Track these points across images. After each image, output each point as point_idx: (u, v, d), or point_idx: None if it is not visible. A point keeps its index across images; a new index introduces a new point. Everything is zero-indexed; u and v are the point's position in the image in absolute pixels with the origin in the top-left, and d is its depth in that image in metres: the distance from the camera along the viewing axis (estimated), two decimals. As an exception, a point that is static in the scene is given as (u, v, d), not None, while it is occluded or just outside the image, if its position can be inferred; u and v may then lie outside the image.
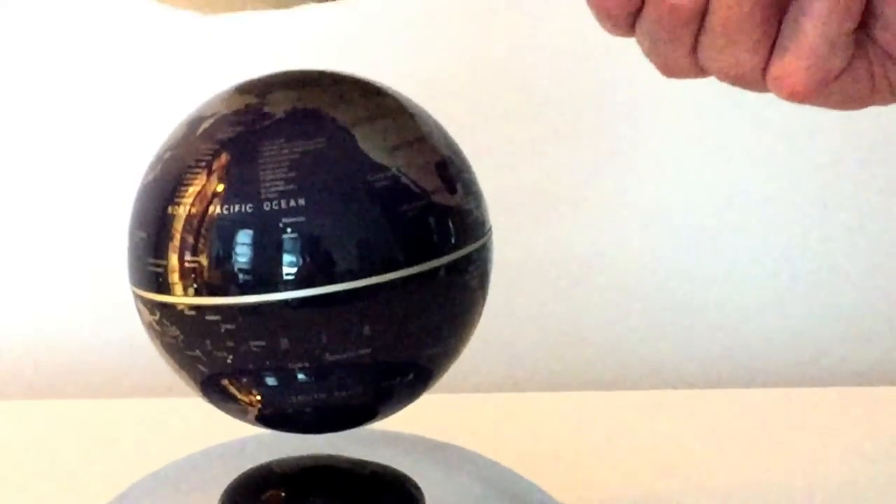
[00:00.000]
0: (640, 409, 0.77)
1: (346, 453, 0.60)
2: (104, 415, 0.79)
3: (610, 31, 0.47)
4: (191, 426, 0.68)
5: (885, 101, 0.47)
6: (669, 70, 0.47)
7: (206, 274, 0.51)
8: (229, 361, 0.52)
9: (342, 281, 0.50)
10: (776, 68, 0.44)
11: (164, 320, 0.53)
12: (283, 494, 0.60)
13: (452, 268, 0.53)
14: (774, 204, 0.83)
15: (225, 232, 0.51)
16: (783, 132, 0.80)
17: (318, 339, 0.51)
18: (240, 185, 0.51)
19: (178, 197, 0.52)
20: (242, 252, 0.50)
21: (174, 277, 0.52)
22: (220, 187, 0.51)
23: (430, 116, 0.56)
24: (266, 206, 0.50)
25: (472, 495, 0.62)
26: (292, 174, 0.50)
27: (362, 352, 0.51)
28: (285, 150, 0.51)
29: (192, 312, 0.51)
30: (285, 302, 0.50)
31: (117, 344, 0.83)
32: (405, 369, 0.54)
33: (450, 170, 0.54)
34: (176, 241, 0.52)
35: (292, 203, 0.50)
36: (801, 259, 0.83)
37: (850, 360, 0.84)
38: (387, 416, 0.57)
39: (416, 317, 0.52)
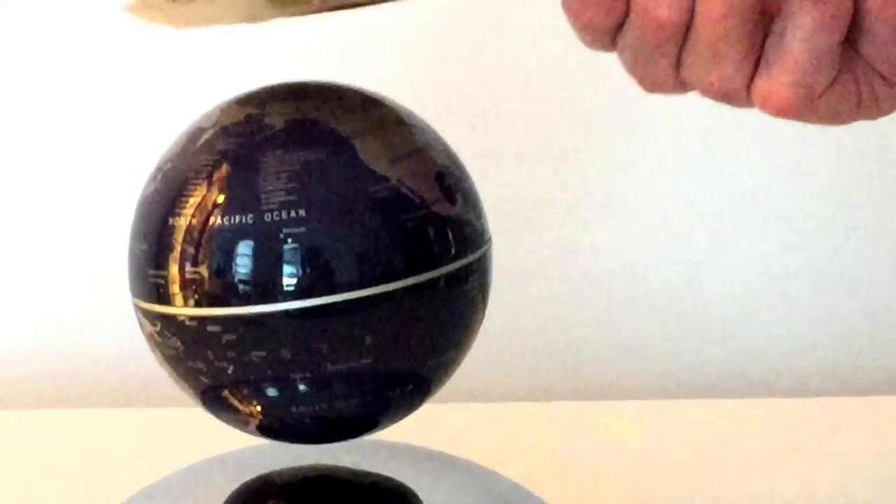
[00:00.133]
0: (640, 418, 0.78)
1: (345, 463, 0.60)
2: (104, 425, 0.79)
3: (589, 46, 0.46)
4: (190, 436, 0.68)
5: (870, 116, 0.46)
6: (652, 85, 0.46)
7: (207, 285, 0.51)
8: (230, 372, 0.52)
9: (343, 291, 0.50)
10: (761, 84, 0.44)
11: (165, 331, 0.53)
12: (283, 505, 0.60)
13: (453, 278, 0.53)
14: (779, 213, 0.83)
15: (226, 243, 0.51)
16: (788, 139, 0.80)
17: (320, 349, 0.51)
18: (240, 195, 0.51)
19: (178, 208, 0.52)
20: (243, 263, 0.51)
21: (175, 288, 0.52)
22: (221, 198, 0.51)
23: (429, 127, 0.56)
24: (267, 217, 0.50)
25: (472, 505, 0.62)
26: (293, 185, 0.50)
27: (363, 362, 0.52)
28: (286, 161, 0.51)
29: (193, 323, 0.52)
30: (286, 312, 0.50)
31: (117, 354, 0.83)
32: (406, 379, 0.54)
33: (449, 180, 0.54)
34: (176, 253, 0.52)
35: (293, 214, 0.50)
36: (806, 267, 0.83)
37: (859, 369, 0.84)
38: (387, 426, 0.57)
39: (417, 327, 0.52)
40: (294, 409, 0.53)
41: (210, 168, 0.52)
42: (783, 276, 0.84)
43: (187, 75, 0.80)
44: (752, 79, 0.44)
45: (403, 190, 0.52)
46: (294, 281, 0.50)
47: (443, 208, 0.53)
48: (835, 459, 0.72)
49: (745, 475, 0.71)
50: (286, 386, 0.52)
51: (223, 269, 0.51)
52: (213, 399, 0.54)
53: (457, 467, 0.64)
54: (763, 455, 0.73)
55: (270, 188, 0.50)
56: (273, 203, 0.50)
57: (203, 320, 0.51)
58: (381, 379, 0.53)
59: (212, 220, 0.51)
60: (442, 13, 0.76)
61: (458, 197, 0.54)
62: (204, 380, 0.53)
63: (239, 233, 0.51)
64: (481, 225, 0.55)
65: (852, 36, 0.44)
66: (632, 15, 0.44)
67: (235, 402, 0.54)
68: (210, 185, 0.52)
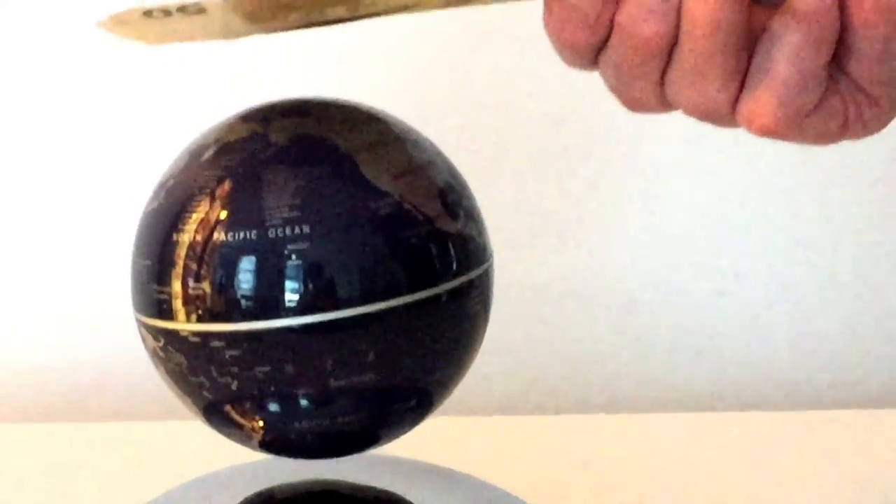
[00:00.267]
0: (641, 431, 0.78)
1: (347, 478, 0.61)
2: (105, 439, 0.79)
3: (571, 65, 0.46)
4: (192, 451, 0.69)
5: (856, 136, 0.45)
6: (634, 104, 0.46)
7: (210, 300, 0.51)
8: (234, 388, 0.52)
9: (347, 307, 0.50)
10: (747, 103, 0.43)
11: (169, 347, 0.53)
12: (284, 520, 0.60)
13: (456, 294, 0.53)
14: (779, 227, 0.83)
15: (229, 259, 0.51)
16: (790, 154, 0.80)
17: (323, 364, 0.51)
18: (244, 212, 0.51)
19: (182, 224, 0.52)
20: (247, 279, 0.51)
21: (178, 304, 0.52)
22: (225, 214, 0.51)
23: (430, 142, 0.56)
24: (271, 234, 0.50)
25: (473, 520, 0.62)
26: (296, 201, 0.50)
27: (367, 377, 0.52)
28: (289, 178, 0.51)
29: (197, 339, 0.52)
30: (290, 328, 0.50)
31: (118, 368, 0.83)
32: (408, 394, 0.54)
33: (451, 196, 0.54)
34: (180, 268, 0.52)
35: (297, 230, 0.50)
36: (805, 282, 0.84)
37: (861, 381, 0.84)
38: (389, 441, 0.57)
39: (420, 342, 0.53)
40: (297, 424, 0.53)
41: (214, 184, 0.52)
42: (789, 291, 0.84)
43: (188, 91, 0.80)
44: (737, 98, 0.43)
45: (406, 206, 0.52)
46: (298, 297, 0.50)
47: (445, 224, 0.53)
48: (840, 472, 0.73)
49: (749, 488, 0.71)
50: (289, 401, 0.52)
51: (227, 285, 0.51)
52: (216, 414, 0.54)
53: (457, 481, 0.64)
54: (765, 468, 0.73)
55: (274, 204, 0.51)
56: (277, 219, 0.50)
57: (206, 336, 0.51)
58: (384, 394, 0.53)
59: (215, 235, 0.51)
60: (442, 28, 0.76)
61: (461, 213, 0.54)
62: (207, 395, 0.53)
63: (242, 249, 0.51)
64: (483, 241, 0.56)
65: (839, 55, 0.43)
66: (615, 33, 0.43)
67: (238, 418, 0.54)
68: (214, 201, 0.52)
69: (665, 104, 0.45)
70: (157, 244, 0.53)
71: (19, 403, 0.85)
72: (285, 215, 0.50)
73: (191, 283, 0.52)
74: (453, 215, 0.54)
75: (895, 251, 0.83)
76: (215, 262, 0.51)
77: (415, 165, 0.53)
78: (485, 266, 0.55)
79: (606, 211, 0.83)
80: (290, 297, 0.50)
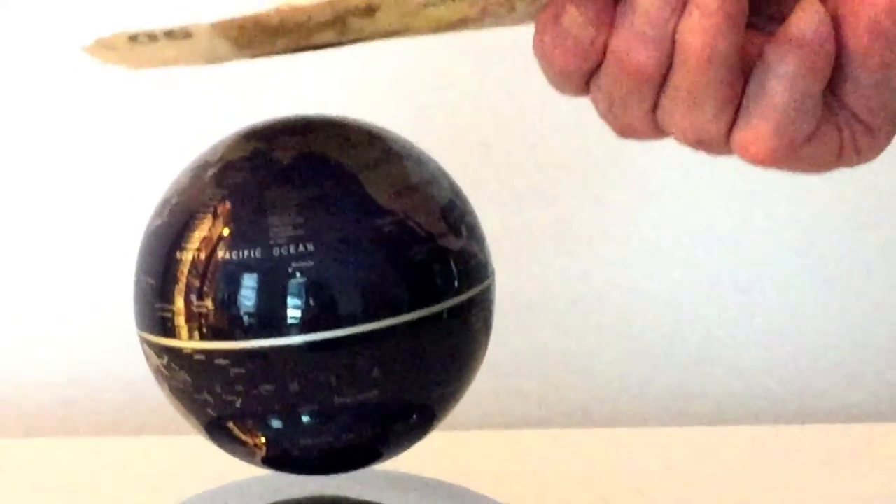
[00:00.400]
0: (643, 446, 0.78)
1: (349, 494, 0.61)
2: (108, 454, 0.79)
3: (560, 90, 0.45)
4: (193, 466, 0.69)
5: (850, 164, 0.45)
6: (626, 131, 0.45)
7: (214, 319, 0.51)
8: (238, 405, 0.52)
9: (352, 324, 0.51)
10: (742, 132, 0.43)
11: (172, 364, 0.53)
12: (287, 535, 0.60)
13: (459, 310, 0.53)
14: (790, 242, 0.83)
15: (234, 277, 0.51)
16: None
17: (328, 382, 0.51)
18: (249, 230, 0.51)
19: (185, 242, 0.53)
20: (252, 296, 0.51)
21: (182, 322, 0.52)
22: (229, 232, 0.52)
23: (432, 160, 0.56)
24: (275, 252, 0.51)
25: (475, 534, 0.62)
26: (301, 219, 0.51)
27: (371, 394, 0.52)
28: (293, 196, 0.51)
29: (201, 357, 0.52)
30: (295, 346, 0.51)
31: (122, 382, 0.83)
32: (411, 411, 0.55)
33: (454, 213, 0.54)
34: (184, 286, 0.52)
35: (301, 248, 0.51)
36: (818, 296, 0.83)
37: (866, 396, 0.84)
38: (391, 457, 0.57)
39: (424, 359, 0.53)
40: (300, 441, 0.53)
41: (218, 202, 0.52)
42: (801, 307, 0.84)
43: (191, 108, 0.80)
44: (731, 126, 0.43)
45: (410, 223, 0.52)
46: (303, 315, 0.50)
47: (449, 241, 0.53)
48: (847, 487, 0.73)
49: (757, 502, 0.71)
50: (294, 419, 0.52)
51: (231, 303, 0.51)
52: (220, 431, 0.55)
53: (459, 496, 0.64)
54: (767, 483, 0.73)
55: (278, 222, 0.51)
56: (281, 237, 0.51)
57: (211, 354, 0.52)
58: (387, 411, 0.53)
59: (219, 253, 0.52)
60: (442, 44, 0.76)
61: (463, 230, 0.54)
62: (211, 412, 0.53)
63: (247, 267, 0.51)
64: (485, 257, 0.56)
65: (834, 82, 0.42)
66: (609, 59, 0.43)
67: (242, 435, 0.54)
68: (218, 218, 0.52)
69: (657, 131, 0.45)
70: (161, 262, 0.53)
71: (20, 418, 0.85)
72: (290, 233, 0.51)
73: (195, 300, 0.52)
74: (456, 232, 0.54)
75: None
76: (219, 279, 0.51)
77: (418, 183, 0.54)
78: (487, 282, 0.56)
79: (608, 227, 0.83)
80: (297, 315, 0.51)
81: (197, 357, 0.52)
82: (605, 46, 0.43)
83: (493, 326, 0.57)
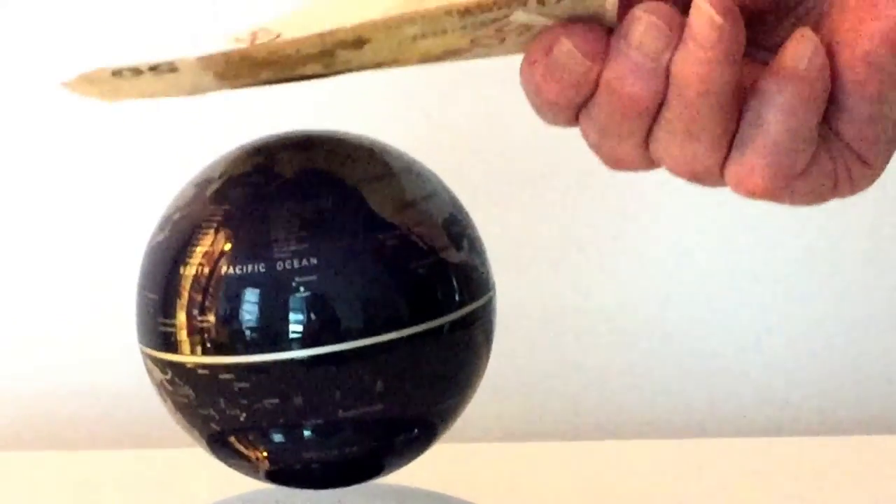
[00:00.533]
0: (643, 458, 0.77)
1: (350, 507, 0.61)
2: (104, 468, 0.79)
3: (549, 122, 0.44)
4: (196, 479, 0.69)
5: (844, 195, 0.44)
6: (617, 163, 0.44)
7: (218, 333, 0.52)
8: (242, 419, 0.52)
9: (357, 338, 0.51)
10: (736, 165, 0.42)
11: (176, 379, 0.53)
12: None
13: (462, 324, 0.54)
14: (795, 257, 0.83)
15: (237, 291, 0.51)
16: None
17: (332, 396, 0.51)
18: (252, 245, 0.52)
19: (188, 257, 0.53)
20: (256, 311, 0.51)
21: (186, 337, 0.52)
22: (232, 247, 0.52)
23: (433, 174, 0.57)
24: (279, 266, 0.51)
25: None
26: (304, 234, 0.51)
27: (374, 408, 0.52)
28: (296, 211, 0.52)
29: (205, 371, 0.52)
30: (300, 360, 0.51)
31: (122, 396, 0.83)
32: (413, 424, 0.55)
33: (456, 227, 0.55)
34: (187, 301, 0.52)
35: (305, 262, 0.51)
36: (818, 310, 0.84)
37: (866, 410, 0.84)
38: (392, 470, 0.58)
39: (427, 372, 0.53)
40: (304, 454, 0.54)
41: (221, 217, 0.53)
42: (804, 320, 0.84)
43: (192, 124, 0.80)
44: (725, 159, 0.42)
45: (412, 237, 0.52)
46: (308, 329, 0.51)
47: (451, 255, 0.54)
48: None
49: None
50: (297, 432, 0.53)
51: (235, 318, 0.51)
52: (223, 445, 0.55)
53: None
54: (769, 496, 0.73)
55: (282, 237, 0.51)
56: (285, 252, 0.51)
57: (215, 368, 0.52)
58: (390, 424, 0.54)
59: (222, 268, 0.52)
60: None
61: (465, 243, 0.55)
62: (214, 427, 0.54)
63: (250, 281, 0.51)
64: (486, 271, 0.56)
65: (828, 114, 0.42)
66: (601, 91, 0.42)
67: (245, 449, 0.54)
68: (220, 233, 0.52)
69: (649, 163, 0.44)
70: (164, 277, 0.54)
71: (20, 431, 0.85)
72: (293, 248, 0.51)
73: (198, 315, 0.52)
74: (457, 246, 0.54)
75: None
76: (223, 294, 0.52)
77: (419, 197, 0.54)
78: (489, 295, 0.56)
79: (607, 240, 0.83)
80: (301, 329, 0.51)
81: (201, 372, 0.52)
82: (598, 78, 0.42)
83: (493, 339, 0.57)
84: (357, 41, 0.42)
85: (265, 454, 0.54)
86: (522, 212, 0.82)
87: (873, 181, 0.44)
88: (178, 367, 0.53)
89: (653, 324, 0.84)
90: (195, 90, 0.46)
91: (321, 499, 0.60)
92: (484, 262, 0.56)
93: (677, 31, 0.40)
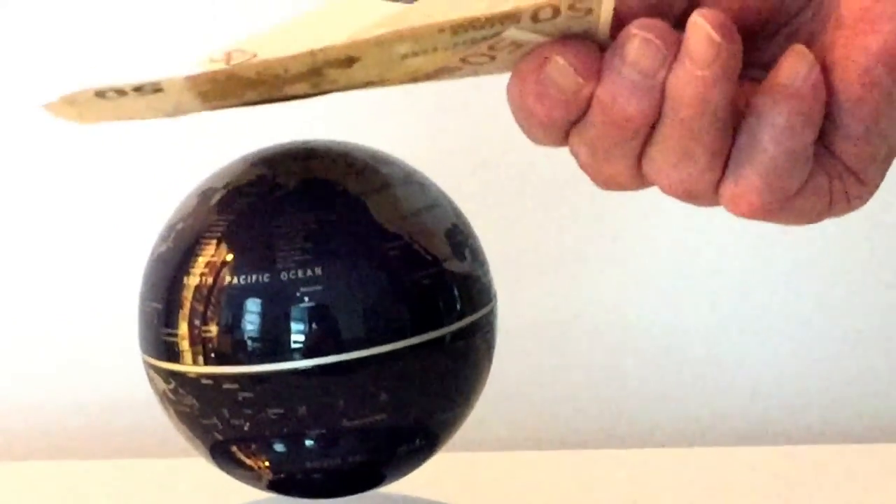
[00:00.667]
0: (653, 468, 0.77)
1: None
2: (108, 477, 0.79)
3: (537, 141, 0.43)
4: (195, 490, 0.69)
5: (839, 214, 0.43)
6: (607, 182, 0.43)
7: (223, 343, 0.52)
8: (246, 429, 0.52)
9: (363, 347, 0.51)
10: (731, 185, 0.41)
11: (180, 389, 0.53)
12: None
13: (464, 333, 0.54)
14: (794, 270, 0.83)
15: (242, 301, 0.52)
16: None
17: (336, 405, 0.52)
18: (256, 254, 0.52)
19: (192, 267, 0.53)
20: (260, 321, 0.51)
21: (189, 347, 0.53)
22: (236, 257, 0.52)
23: (434, 184, 0.57)
24: (283, 276, 0.51)
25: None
26: (308, 244, 0.51)
27: (377, 417, 0.52)
28: (300, 221, 0.52)
29: (209, 381, 0.52)
30: (305, 370, 0.51)
31: (123, 406, 0.83)
32: (415, 433, 0.55)
33: (458, 237, 0.55)
34: (191, 312, 0.53)
35: (309, 272, 0.51)
36: (821, 316, 0.84)
37: (861, 416, 0.85)
38: (394, 479, 0.58)
39: (432, 382, 0.53)
40: (307, 464, 0.54)
41: (224, 227, 0.53)
42: (801, 330, 0.84)
43: (193, 135, 0.80)
44: (720, 178, 0.41)
45: (416, 247, 0.53)
46: (313, 338, 0.51)
47: (454, 265, 0.54)
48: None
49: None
50: (300, 442, 0.53)
51: (240, 328, 0.52)
52: (225, 455, 0.55)
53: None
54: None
55: (286, 247, 0.51)
56: (289, 262, 0.51)
57: (219, 378, 0.52)
58: (392, 434, 0.54)
59: (227, 279, 0.52)
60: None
61: (467, 253, 0.55)
62: (218, 436, 0.54)
63: (255, 291, 0.51)
64: (488, 280, 0.56)
65: (824, 132, 0.41)
66: (594, 110, 0.41)
67: (248, 459, 0.54)
68: (225, 244, 0.52)
69: (641, 182, 0.43)
70: (168, 287, 0.54)
71: (19, 441, 0.85)
72: (297, 258, 0.51)
73: (202, 326, 0.52)
74: (460, 256, 0.54)
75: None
76: (228, 305, 0.52)
77: (422, 207, 0.54)
78: (491, 305, 0.56)
79: (608, 250, 0.83)
80: (306, 339, 0.51)
81: (205, 381, 0.52)
82: (591, 96, 0.41)
83: (495, 348, 0.58)
84: (348, 59, 0.42)
85: (268, 464, 0.54)
86: (522, 221, 0.82)
87: (868, 199, 0.43)
88: (181, 377, 0.53)
89: (654, 331, 0.84)
90: (176, 111, 0.46)
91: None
92: (486, 271, 0.57)
93: (673, 49, 0.39)
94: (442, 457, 0.59)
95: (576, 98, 0.41)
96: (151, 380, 0.56)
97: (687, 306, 0.84)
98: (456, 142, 0.81)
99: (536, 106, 0.41)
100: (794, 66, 0.40)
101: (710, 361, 0.84)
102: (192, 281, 0.53)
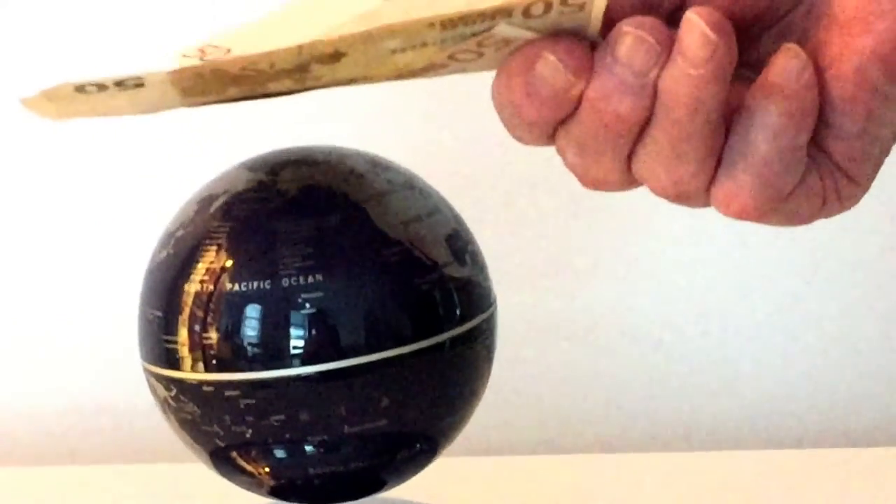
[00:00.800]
0: (657, 472, 0.77)
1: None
2: (108, 483, 0.79)
3: (522, 141, 0.42)
4: (195, 496, 0.69)
5: (831, 214, 0.43)
6: (595, 183, 0.42)
7: (224, 350, 0.52)
8: (248, 436, 0.52)
9: (365, 353, 0.51)
10: (723, 186, 0.40)
11: (181, 396, 0.53)
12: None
13: (466, 339, 0.54)
14: (794, 271, 0.83)
15: (243, 308, 0.52)
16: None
17: (338, 412, 0.52)
18: (257, 261, 0.52)
19: (192, 274, 0.53)
20: (261, 327, 0.51)
21: (190, 354, 0.53)
22: (237, 264, 0.52)
23: (434, 190, 0.57)
24: (284, 283, 0.51)
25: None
26: (309, 250, 0.51)
27: (379, 423, 0.52)
28: (301, 227, 0.52)
29: (210, 388, 0.52)
30: (306, 376, 0.51)
31: (124, 411, 0.83)
32: (416, 439, 0.55)
33: (458, 242, 0.55)
34: (192, 318, 0.53)
35: (310, 279, 0.51)
36: (823, 323, 0.84)
37: (861, 420, 0.85)
38: (395, 485, 0.58)
39: (432, 387, 0.53)
40: (308, 470, 0.54)
41: (225, 234, 0.53)
42: (805, 333, 0.84)
43: (193, 140, 0.80)
44: (712, 179, 0.41)
45: (416, 253, 0.53)
46: (314, 345, 0.51)
47: (454, 271, 0.54)
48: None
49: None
50: (302, 448, 0.53)
51: (241, 334, 0.52)
52: (226, 462, 0.55)
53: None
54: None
55: (287, 253, 0.51)
56: (291, 268, 0.51)
57: (221, 385, 0.52)
58: (393, 439, 0.54)
59: (227, 285, 0.52)
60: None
61: (468, 259, 0.55)
62: (219, 443, 0.54)
63: (256, 298, 0.51)
64: (488, 287, 0.57)
65: (817, 132, 0.40)
66: (584, 109, 0.40)
67: (249, 465, 0.54)
68: (226, 250, 0.52)
69: (630, 183, 0.42)
70: (168, 294, 0.54)
71: (21, 446, 0.85)
72: (298, 264, 0.51)
73: (204, 332, 0.52)
74: (460, 262, 0.54)
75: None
76: (228, 311, 0.52)
77: (422, 213, 0.54)
78: (491, 310, 0.56)
79: (608, 254, 0.83)
80: (307, 346, 0.51)
81: (206, 388, 0.52)
82: (581, 95, 0.40)
83: (495, 354, 0.58)
84: (335, 54, 0.41)
85: (269, 470, 0.54)
86: (521, 225, 0.82)
87: (860, 199, 0.43)
88: (181, 384, 0.53)
89: (653, 335, 0.84)
90: (156, 107, 0.45)
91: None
92: (486, 276, 0.57)
93: (666, 47, 0.39)
94: (442, 462, 0.59)
95: (566, 96, 0.40)
96: (152, 387, 0.56)
97: (686, 310, 0.84)
98: (456, 147, 0.81)
99: (525, 103, 0.41)
100: (787, 65, 0.39)
101: (716, 366, 0.84)
102: (192, 288, 0.53)
